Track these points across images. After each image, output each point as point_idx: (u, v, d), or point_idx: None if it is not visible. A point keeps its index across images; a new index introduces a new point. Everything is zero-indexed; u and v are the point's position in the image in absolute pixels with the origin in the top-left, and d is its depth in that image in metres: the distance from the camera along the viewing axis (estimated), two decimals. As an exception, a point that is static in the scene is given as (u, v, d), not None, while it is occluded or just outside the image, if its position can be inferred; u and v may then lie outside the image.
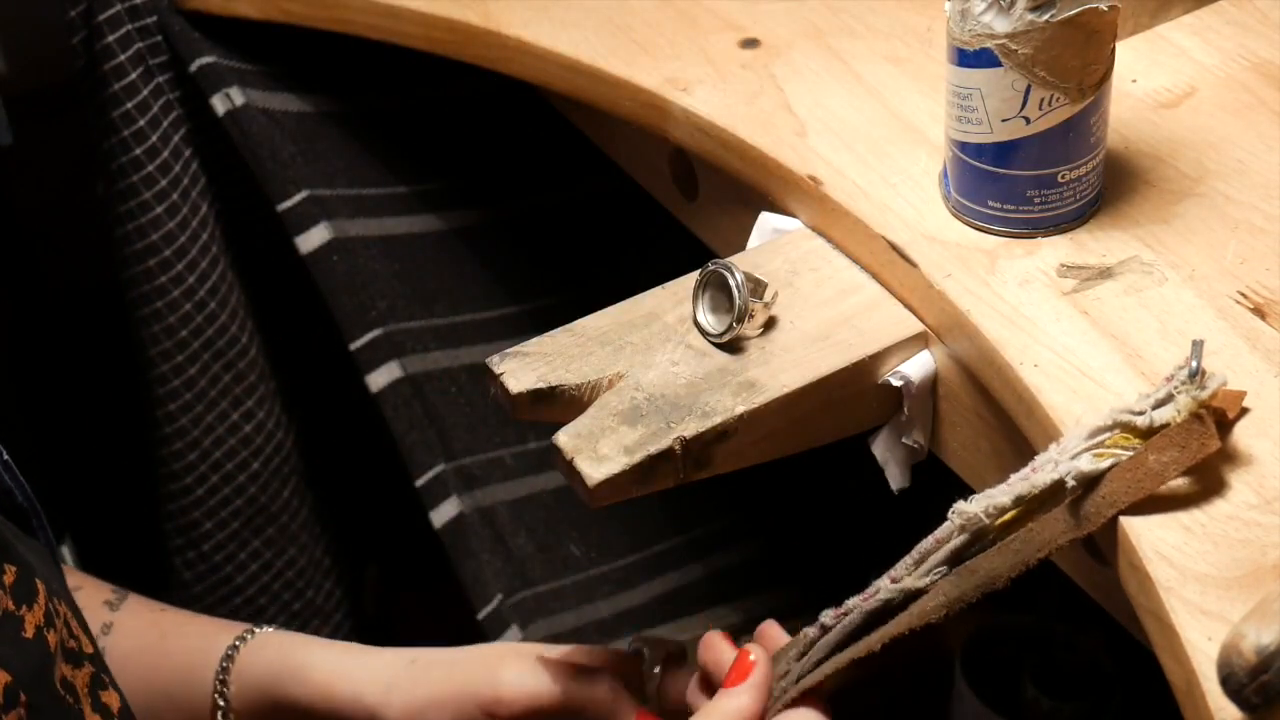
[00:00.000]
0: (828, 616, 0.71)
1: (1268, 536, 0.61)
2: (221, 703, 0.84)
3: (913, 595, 0.67)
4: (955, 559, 0.67)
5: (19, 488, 0.76)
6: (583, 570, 1.21)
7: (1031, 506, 0.65)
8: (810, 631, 0.72)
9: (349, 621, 1.27)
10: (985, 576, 0.65)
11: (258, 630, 0.86)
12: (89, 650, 0.72)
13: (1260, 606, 0.56)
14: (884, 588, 0.68)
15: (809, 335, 0.76)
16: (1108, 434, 0.63)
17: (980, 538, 0.66)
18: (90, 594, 0.89)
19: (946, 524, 0.67)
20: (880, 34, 0.89)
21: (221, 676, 0.84)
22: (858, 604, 0.70)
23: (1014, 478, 0.65)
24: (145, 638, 0.87)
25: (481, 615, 1.17)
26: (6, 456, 0.75)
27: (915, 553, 0.68)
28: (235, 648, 0.85)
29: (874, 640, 0.68)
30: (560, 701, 0.80)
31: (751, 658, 0.73)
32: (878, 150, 0.81)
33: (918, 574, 0.67)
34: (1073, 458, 0.63)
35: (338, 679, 0.82)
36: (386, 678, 0.82)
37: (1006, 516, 0.65)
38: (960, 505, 0.66)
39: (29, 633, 0.66)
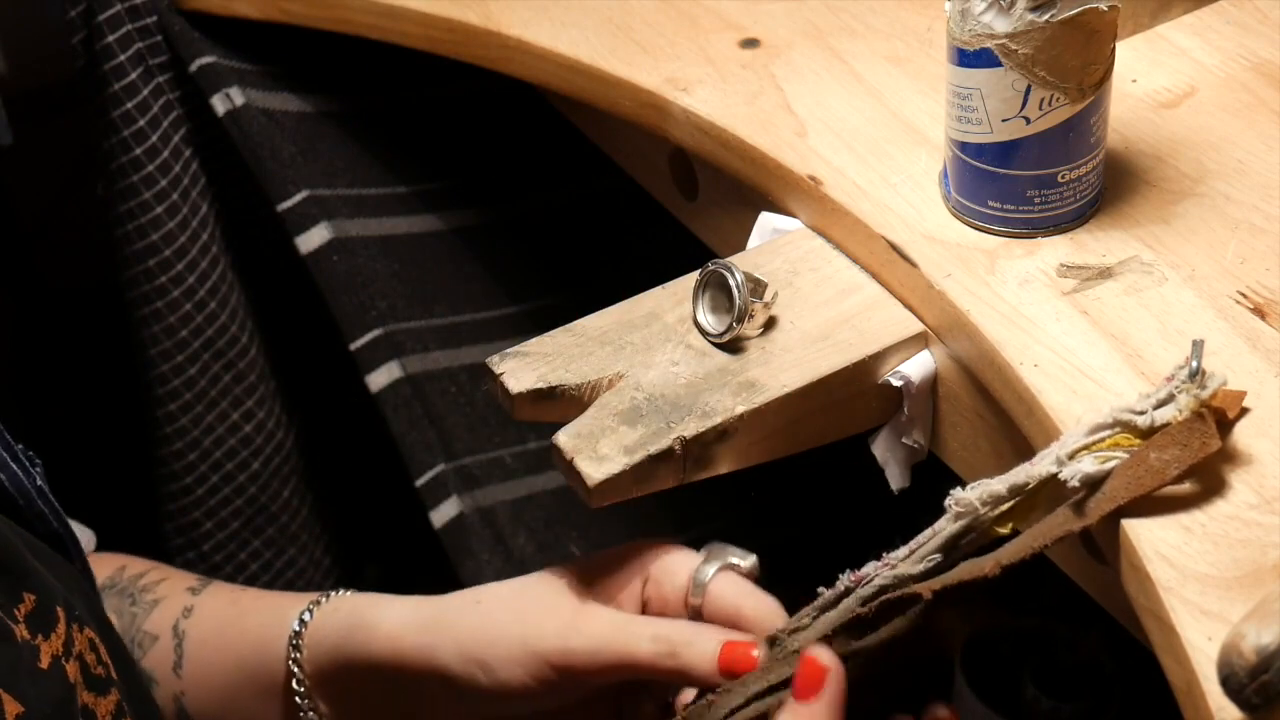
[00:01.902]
0: (846, 579, 0.70)
1: (1268, 536, 0.61)
2: (295, 670, 0.81)
3: (906, 580, 0.67)
4: (949, 546, 0.67)
5: (53, 513, 0.75)
6: (583, 570, 1.20)
7: (1028, 499, 0.65)
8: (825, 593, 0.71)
9: (349, 621, 1.27)
10: (982, 561, 0.65)
11: (332, 594, 0.83)
12: (116, 677, 0.71)
13: (1260, 606, 0.56)
14: (881, 574, 0.68)
15: (809, 335, 0.76)
16: (1108, 432, 0.63)
17: (974, 527, 0.66)
18: (175, 583, 0.88)
19: (944, 517, 0.67)
20: (880, 34, 0.89)
21: (295, 643, 0.81)
22: (847, 584, 0.69)
23: (1013, 470, 0.65)
24: (224, 615, 0.86)
25: (481, 615, 1.17)
26: (41, 483, 0.75)
27: (912, 544, 0.68)
28: (309, 613, 0.82)
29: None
30: (631, 669, 0.74)
31: (824, 663, 0.67)
32: (878, 150, 0.81)
33: (911, 560, 0.67)
34: (1072, 455, 0.63)
35: (408, 630, 0.78)
36: (454, 630, 0.77)
37: (1003, 507, 0.65)
38: (957, 492, 0.66)
39: (44, 663, 0.66)
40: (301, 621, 0.82)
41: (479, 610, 0.77)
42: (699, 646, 0.72)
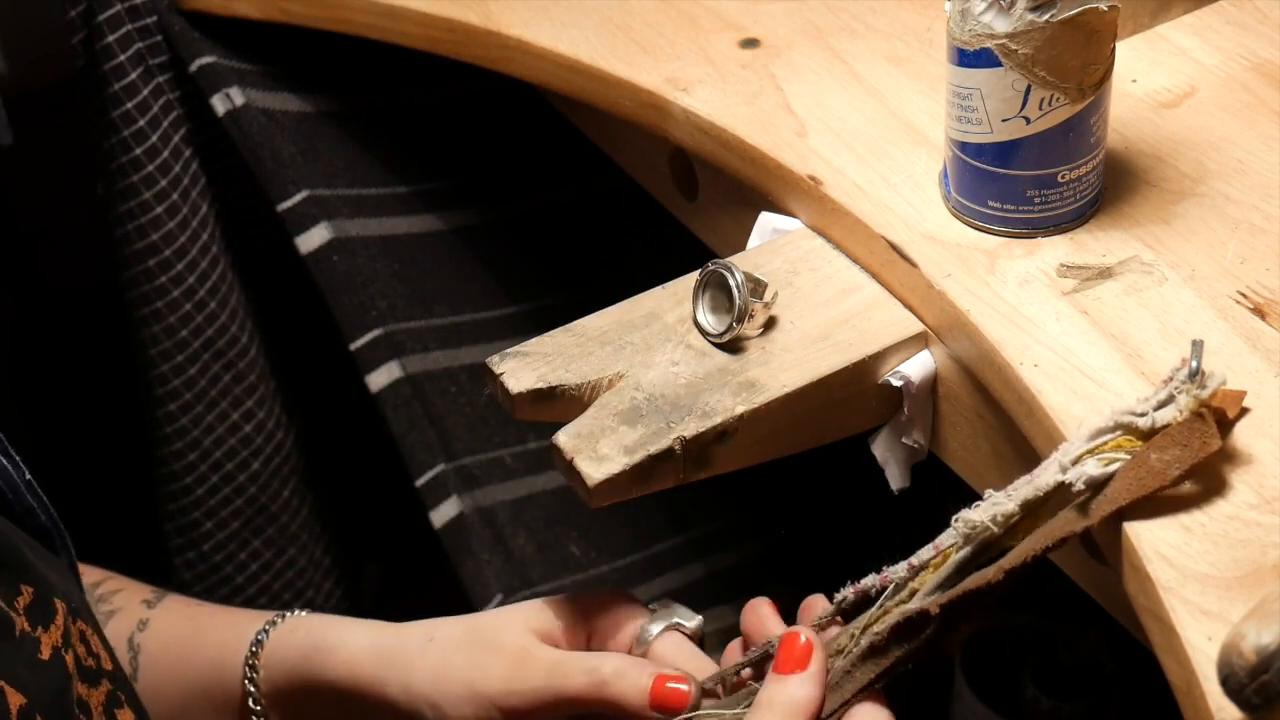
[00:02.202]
0: (848, 592, 0.70)
1: (1268, 536, 0.61)
2: (251, 689, 0.83)
3: (921, 615, 0.66)
4: (962, 572, 0.66)
5: (42, 507, 0.75)
6: (583, 570, 1.20)
7: (1035, 511, 0.65)
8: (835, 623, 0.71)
9: (349, 622, 1.27)
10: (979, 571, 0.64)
11: (288, 614, 0.84)
12: (108, 667, 0.72)
13: (1260, 606, 0.56)
14: (893, 610, 0.67)
15: (809, 335, 0.76)
16: (1109, 435, 0.63)
17: (987, 548, 0.66)
18: (131, 594, 0.89)
19: (948, 532, 0.66)
20: (880, 34, 0.89)
21: (251, 662, 0.83)
22: (848, 595, 0.70)
23: (1018, 482, 0.65)
24: (179, 630, 0.87)
25: (482, 615, 1.17)
26: (29, 476, 0.75)
27: (914, 558, 0.67)
28: (265, 632, 0.83)
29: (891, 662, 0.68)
30: (569, 703, 0.77)
31: (803, 639, 0.69)
32: (878, 150, 0.81)
33: (923, 593, 0.67)
34: (1075, 460, 0.63)
35: (363, 659, 0.80)
36: (407, 662, 0.80)
37: (1012, 522, 0.65)
38: (965, 514, 0.65)
39: (45, 654, 0.66)
40: (258, 640, 0.83)
41: (431, 649, 0.79)
42: (630, 678, 0.74)
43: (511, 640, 0.78)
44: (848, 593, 0.70)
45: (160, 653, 0.86)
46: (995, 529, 0.64)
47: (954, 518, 0.66)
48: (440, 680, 0.78)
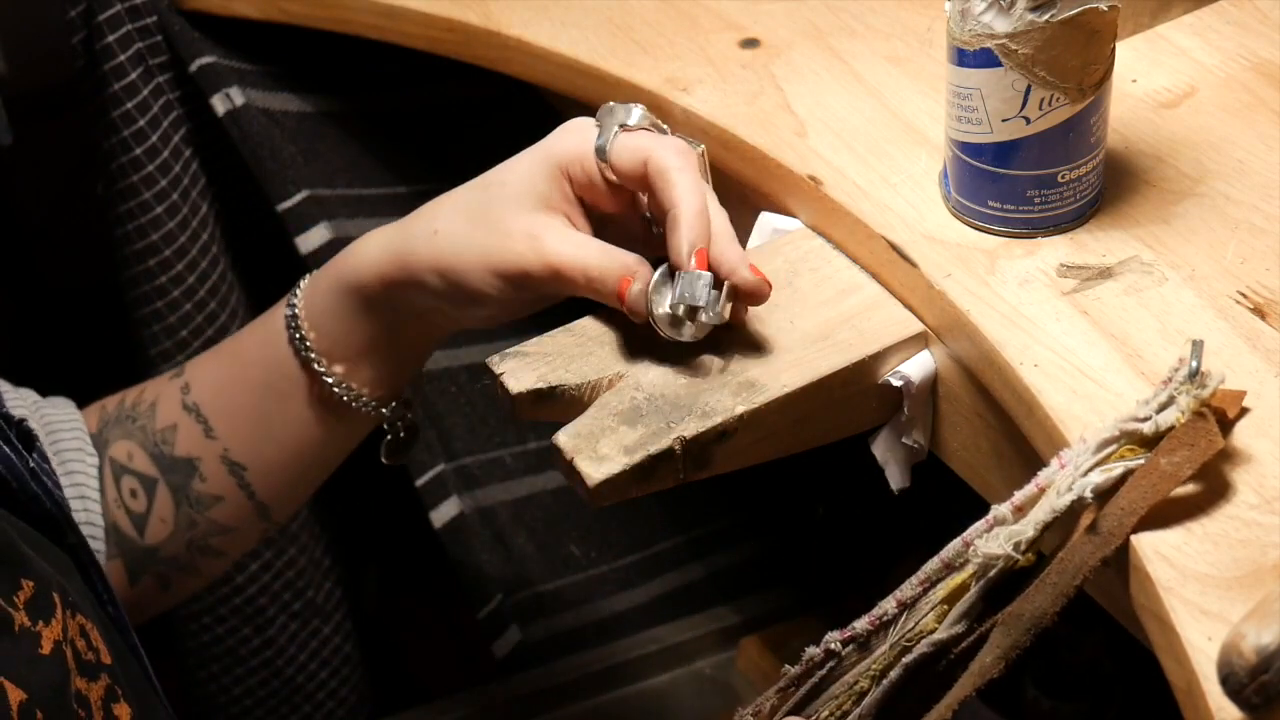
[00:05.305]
0: (834, 640, 0.68)
1: (1268, 536, 0.61)
2: (303, 350, 0.85)
3: (946, 646, 0.66)
4: (987, 597, 0.65)
5: (46, 493, 0.75)
6: (583, 570, 1.20)
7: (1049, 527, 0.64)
8: (814, 652, 0.69)
9: (349, 621, 1.27)
10: (1032, 619, 0.63)
11: (297, 288, 0.87)
12: (107, 661, 0.72)
13: (1260, 606, 0.56)
14: (920, 644, 0.66)
15: (809, 335, 0.76)
16: (1114, 446, 0.63)
17: (1006, 571, 0.65)
18: (156, 384, 0.91)
19: (952, 548, 0.65)
20: (880, 34, 0.89)
21: (293, 324, 0.86)
22: (865, 627, 0.68)
23: (1022, 496, 0.64)
24: (221, 365, 0.90)
25: (481, 615, 1.17)
26: (34, 464, 0.75)
27: (921, 573, 0.66)
28: (293, 300, 0.86)
29: (944, 710, 0.66)
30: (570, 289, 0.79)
31: None
32: (878, 150, 0.81)
33: (947, 623, 0.66)
34: (1085, 475, 0.63)
35: (385, 264, 0.83)
36: (414, 256, 0.81)
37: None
38: (983, 545, 0.64)
39: (46, 649, 0.66)
40: (291, 306, 0.86)
41: (437, 241, 0.81)
42: (607, 280, 0.76)
43: (519, 225, 0.79)
44: (865, 624, 0.68)
45: (216, 393, 0.89)
46: (1020, 557, 0.63)
47: (969, 551, 0.65)
48: (448, 268, 0.80)
